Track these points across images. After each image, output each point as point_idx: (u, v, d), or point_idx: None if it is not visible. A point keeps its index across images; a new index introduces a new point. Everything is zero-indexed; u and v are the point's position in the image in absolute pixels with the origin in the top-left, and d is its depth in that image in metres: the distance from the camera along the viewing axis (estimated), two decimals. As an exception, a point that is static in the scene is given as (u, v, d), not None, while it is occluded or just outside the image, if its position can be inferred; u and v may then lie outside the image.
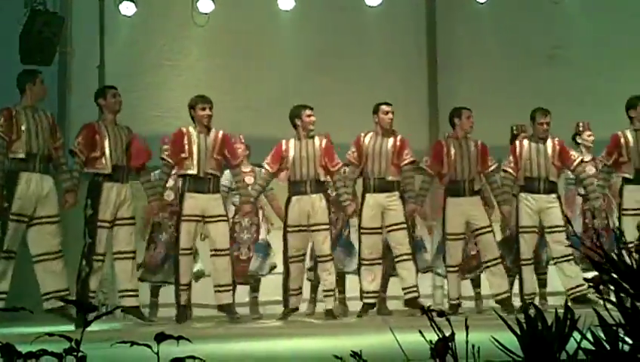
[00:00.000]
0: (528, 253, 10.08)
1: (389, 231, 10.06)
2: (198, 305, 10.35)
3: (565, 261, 9.91)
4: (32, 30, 10.89)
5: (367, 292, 10.12)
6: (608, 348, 2.52)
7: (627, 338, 2.51)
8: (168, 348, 2.69)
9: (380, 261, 10.13)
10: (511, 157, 10.15)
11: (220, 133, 9.88)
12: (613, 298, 2.55)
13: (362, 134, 10.24)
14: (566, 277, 9.90)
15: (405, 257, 10.03)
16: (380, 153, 10.11)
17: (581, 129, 10.99)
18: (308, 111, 10.02)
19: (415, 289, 9.98)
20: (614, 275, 2.42)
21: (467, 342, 2.54)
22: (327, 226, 9.93)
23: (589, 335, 2.58)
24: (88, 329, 2.65)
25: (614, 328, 2.52)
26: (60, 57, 12.10)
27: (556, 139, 10.23)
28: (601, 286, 2.55)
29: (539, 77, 12.81)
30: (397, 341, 2.86)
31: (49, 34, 11.01)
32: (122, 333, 8.36)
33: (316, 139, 10.03)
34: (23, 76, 9.24)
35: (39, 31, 10.92)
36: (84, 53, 12.50)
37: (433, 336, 2.54)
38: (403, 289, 10.07)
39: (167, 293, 10.31)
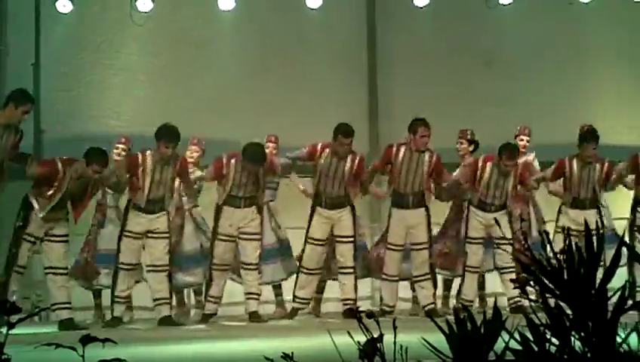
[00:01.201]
0: (476, 261, 10.19)
1: (337, 242, 10.11)
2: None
3: (508, 272, 10.00)
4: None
5: (298, 298, 10.19)
6: (535, 349, 2.54)
7: (554, 339, 2.54)
8: (95, 351, 2.66)
9: (320, 271, 10.20)
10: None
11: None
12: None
13: (319, 148, 10.16)
14: (506, 288, 10.01)
15: (348, 270, 10.07)
16: (336, 174, 10.08)
17: (517, 133, 11.07)
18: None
19: (353, 301, 10.02)
20: (541, 276, 2.45)
21: (395, 342, 2.55)
22: (258, 236, 9.96)
23: (517, 336, 2.60)
24: (15, 332, 2.61)
25: (541, 329, 2.55)
26: (-5, 55, 11.98)
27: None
28: (528, 288, 2.58)
29: (476, 80, 12.93)
30: (333, 342, 2.87)
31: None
32: (49, 336, 8.27)
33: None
34: None
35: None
36: (19, 51, 12.35)
37: (363, 338, 2.55)
38: (342, 299, 10.13)
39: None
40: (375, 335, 2.53)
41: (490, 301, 10.54)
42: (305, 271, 10.12)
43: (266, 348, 6.41)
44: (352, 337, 2.53)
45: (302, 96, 12.75)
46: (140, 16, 12.27)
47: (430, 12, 13.01)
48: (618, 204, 11.00)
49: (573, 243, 2.48)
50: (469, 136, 10.94)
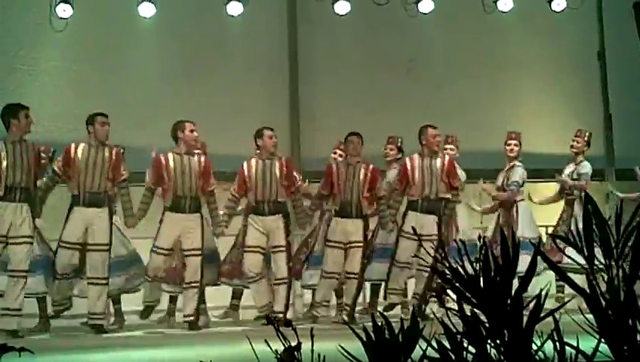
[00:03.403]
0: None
1: (273, 253, 10.12)
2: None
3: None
4: None
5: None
6: (453, 357, 2.56)
7: (471, 347, 2.56)
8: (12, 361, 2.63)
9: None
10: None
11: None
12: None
13: (245, 162, 10.16)
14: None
15: (283, 281, 10.10)
16: (270, 177, 10.09)
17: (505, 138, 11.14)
18: (190, 126, 9.92)
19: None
20: (457, 284, 2.47)
21: (312, 350, 2.55)
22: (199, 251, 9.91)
23: (434, 344, 2.62)
24: None
25: (458, 337, 2.57)
26: None
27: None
28: (444, 296, 2.60)
29: (397, 88, 13.05)
30: (254, 350, 2.86)
31: None
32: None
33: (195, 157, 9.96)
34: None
35: None
36: None
37: (280, 346, 2.55)
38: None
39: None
40: (293, 344, 2.53)
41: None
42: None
43: (186, 356, 6.40)
44: (269, 346, 2.52)
45: (223, 103, 12.73)
46: (60, 22, 12.13)
47: (351, 20, 13.07)
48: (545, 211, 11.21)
49: (489, 251, 2.51)
50: (399, 143, 11.03)
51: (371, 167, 10.29)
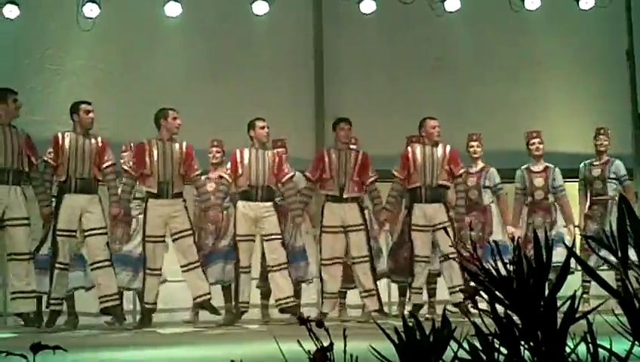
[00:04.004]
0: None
1: (266, 241, 10.14)
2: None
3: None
4: None
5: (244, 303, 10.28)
6: (484, 358, 2.55)
7: (502, 348, 2.55)
8: (46, 358, 2.64)
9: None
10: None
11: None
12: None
13: (238, 151, 10.27)
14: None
15: (283, 266, 10.12)
16: (263, 165, 10.20)
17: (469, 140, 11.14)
18: (173, 113, 10.01)
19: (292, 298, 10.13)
20: (489, 285, 2.46)
21: (345, 351, 2.55)
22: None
23: (465, 345, 2.61)
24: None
25: (490, 338, 2.56)
26: (-61, 60, 11.83)
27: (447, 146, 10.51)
28: (477, 297, 2.59)
29: (422, 87, 13.02)
30: (281, 350, 2.86)
31: None
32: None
33: (176, 144, 10.03)
34: None
35: None
36: (-35, 56, 12.25)
37: (312, 346, 2.55)
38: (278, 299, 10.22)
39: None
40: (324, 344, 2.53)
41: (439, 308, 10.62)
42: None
43: (215, 355, 6.40)
44: (301, 346, 2.52)
45: (248, 102, 12.73)
46: (87, 21, 12.19)
47: (377, 19, 13.05)
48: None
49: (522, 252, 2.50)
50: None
51: (361, 152, 10.43)
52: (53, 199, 9.80)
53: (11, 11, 12.15)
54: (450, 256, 10.07)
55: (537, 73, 13.34)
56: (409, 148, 10.50)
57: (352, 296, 11.03)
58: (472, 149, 11.05)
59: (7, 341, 8.47)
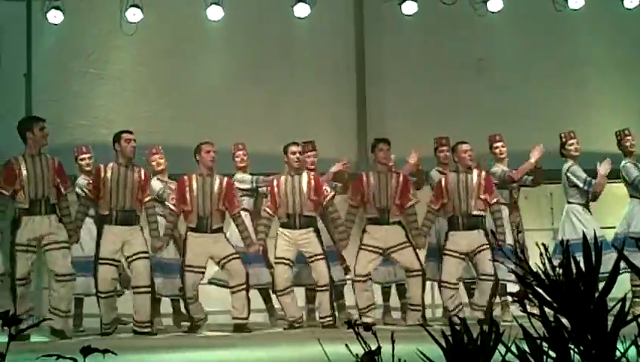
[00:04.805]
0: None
1: (311, 262, 10.17)
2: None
3: None
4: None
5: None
6: (532, 361, 2.54)
7: (551, 352, 2.53)
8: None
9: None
10: None
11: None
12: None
13: (275, 180, 10.28)
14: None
15: (324, 288, 10.13)
16: (299, 192, 10.20)
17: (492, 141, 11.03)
18: (206, 147, 10.05)
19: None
20: (539, 289, 2.45)
21: (393, 355, 2.55)
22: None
23: (513, 348, 2.60)
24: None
25: (538, 341, 2.55)
26: (-14, 66, 11.95)
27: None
28: (526, 301, 2.58)
29: (465, 88, 12.95)
30: (326, 355, 2.86)
31: (-25, 42, 10.85)
32: (49, 346, 8.27)
33: (217, 179, 10.07)
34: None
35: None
36: (11, 61, 12.33)
37: (359, 349, 2.55)
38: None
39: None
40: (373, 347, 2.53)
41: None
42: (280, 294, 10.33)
43: (259, 358, 6.43)
44: (349, 350, 2.52)
45: (290, 105, 12.76)
46: (130, 26, 12.27)
47: (419, 21, 13.00)
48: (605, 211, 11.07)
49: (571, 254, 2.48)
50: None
51: (402, 175, 10.34)
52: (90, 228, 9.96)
53: (56, 17, 12.25)
54: (486, 277, 10.03)
55: (580, 73, 13.22)
56: (442, 178, 10.41)
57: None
58: (497, 150, 10.90)
59: (57, 344, 8.55)
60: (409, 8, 12.84)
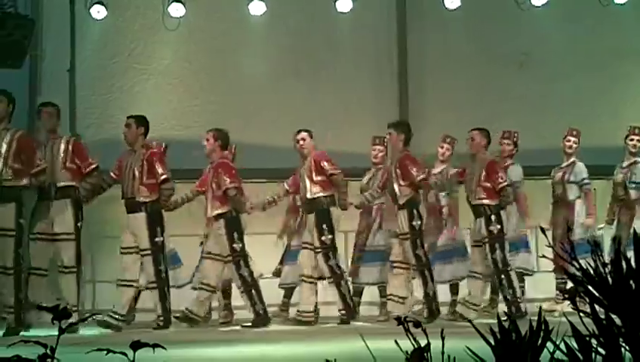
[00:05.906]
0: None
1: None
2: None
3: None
4: (2, 33, 10.80)
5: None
6: (581, 359, 2.53)
7: (600, 349, 2.52)
8: (144, 355, 2.68)
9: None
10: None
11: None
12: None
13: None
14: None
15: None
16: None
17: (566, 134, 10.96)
18: None
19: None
20: (589, 287, 2.44)
21: (443, 352, 2.55)
22: None
23: (562, 346, 2.59)
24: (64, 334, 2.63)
25: (587, 338, 2.54)
26: (31, 60, 12.00)
27: None
28: (577, 298, 2.57)
29: (508, 82, 12.89)
30: (369, 350, 2.87)
31: (19, 37, 10.88)
32: (98, 339, 8.34)
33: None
34: None
35: (9, 34, 10.82)
36: (55, 57, 12.46)
37: (409, 345, 2.55)
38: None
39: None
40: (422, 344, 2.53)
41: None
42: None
43: (308, 353, 6.44)
44: (399, 346, 2.53)
45: (332, 100, 12.77)
46: (172, 21, 12.34)
47: (461, 14, 12.95)
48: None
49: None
50: (515, 138, 10.89)
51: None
52: None
53: (99, 12, 12.34)
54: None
55: (625, 66, 13.08)
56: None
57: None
58: (568, 143, 10.82)
59: (106, 338, 8.62)
60: (452, 2, 12.80)
